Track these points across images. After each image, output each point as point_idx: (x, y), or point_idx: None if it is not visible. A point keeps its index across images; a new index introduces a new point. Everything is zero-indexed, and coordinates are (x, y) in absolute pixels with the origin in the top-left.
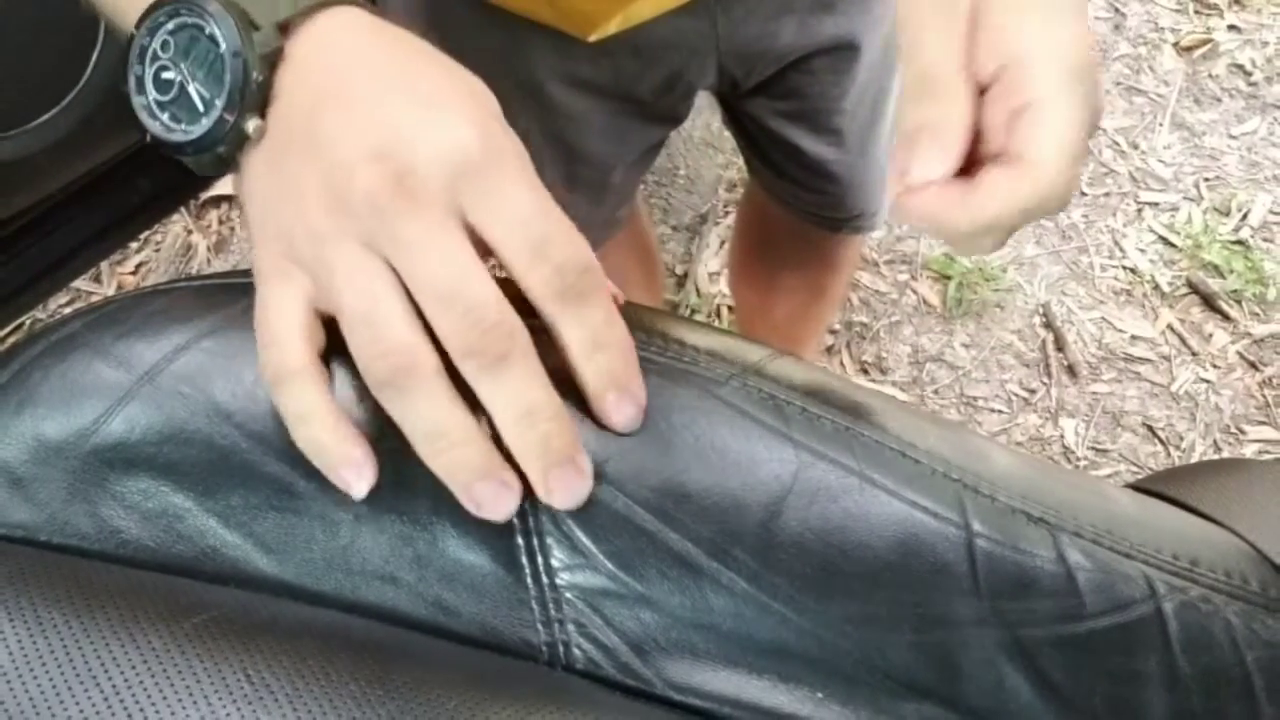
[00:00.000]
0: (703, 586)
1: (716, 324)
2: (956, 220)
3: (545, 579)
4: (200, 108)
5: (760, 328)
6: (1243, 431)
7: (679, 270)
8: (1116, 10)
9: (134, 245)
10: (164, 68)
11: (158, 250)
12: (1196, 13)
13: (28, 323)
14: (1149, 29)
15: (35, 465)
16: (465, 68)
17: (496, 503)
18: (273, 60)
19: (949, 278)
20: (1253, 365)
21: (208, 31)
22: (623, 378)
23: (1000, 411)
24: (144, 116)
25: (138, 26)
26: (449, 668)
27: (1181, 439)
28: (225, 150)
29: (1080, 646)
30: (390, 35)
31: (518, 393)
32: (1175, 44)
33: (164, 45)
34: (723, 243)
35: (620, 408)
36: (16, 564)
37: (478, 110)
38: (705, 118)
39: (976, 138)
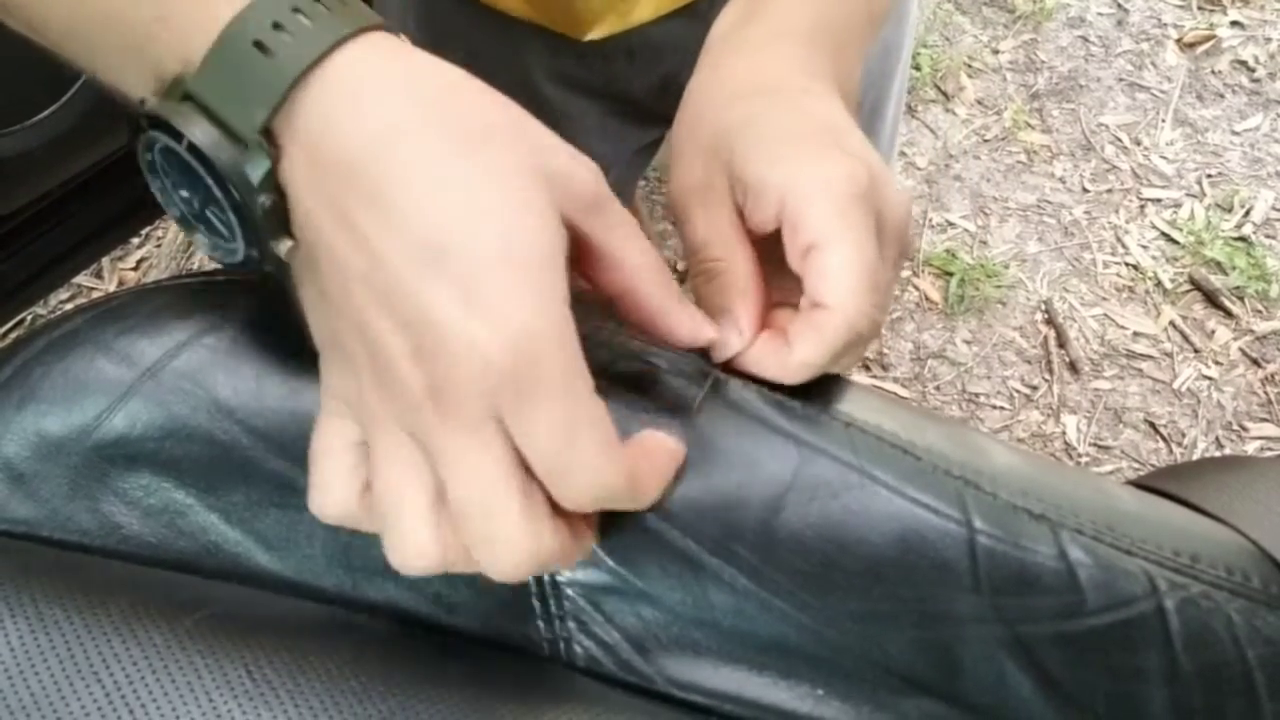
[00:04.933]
0: (704, 583)
1: None
2: (784, 377)
3: (546, 575)
4: (225, 233)
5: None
6: (1245, 428)
7: (680, 267)
8: (1119, 6)
9: (135, 241)
10: (175, 184)
11: (159, 246)
12: (1199, 8)
13: (29, 319)
14: (1152, 25)
15: (37, 461)
16: (523, 128)
17: None
18: (272, 177)
19: (951, 274)
20: (1255, 362)
21: (192, 167)
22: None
23: (1002, 408)
24: (183, 229)
25: (134, 136)
26: (450, 664)
27: (1184, 436)
28: (273, 268)
29: (1081, 643)
30: (400, 117)
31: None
32: (1178, 40)
33: (164, 166)
34: None
35: None
36: (18, 560)
37: (522, 277)
38: None
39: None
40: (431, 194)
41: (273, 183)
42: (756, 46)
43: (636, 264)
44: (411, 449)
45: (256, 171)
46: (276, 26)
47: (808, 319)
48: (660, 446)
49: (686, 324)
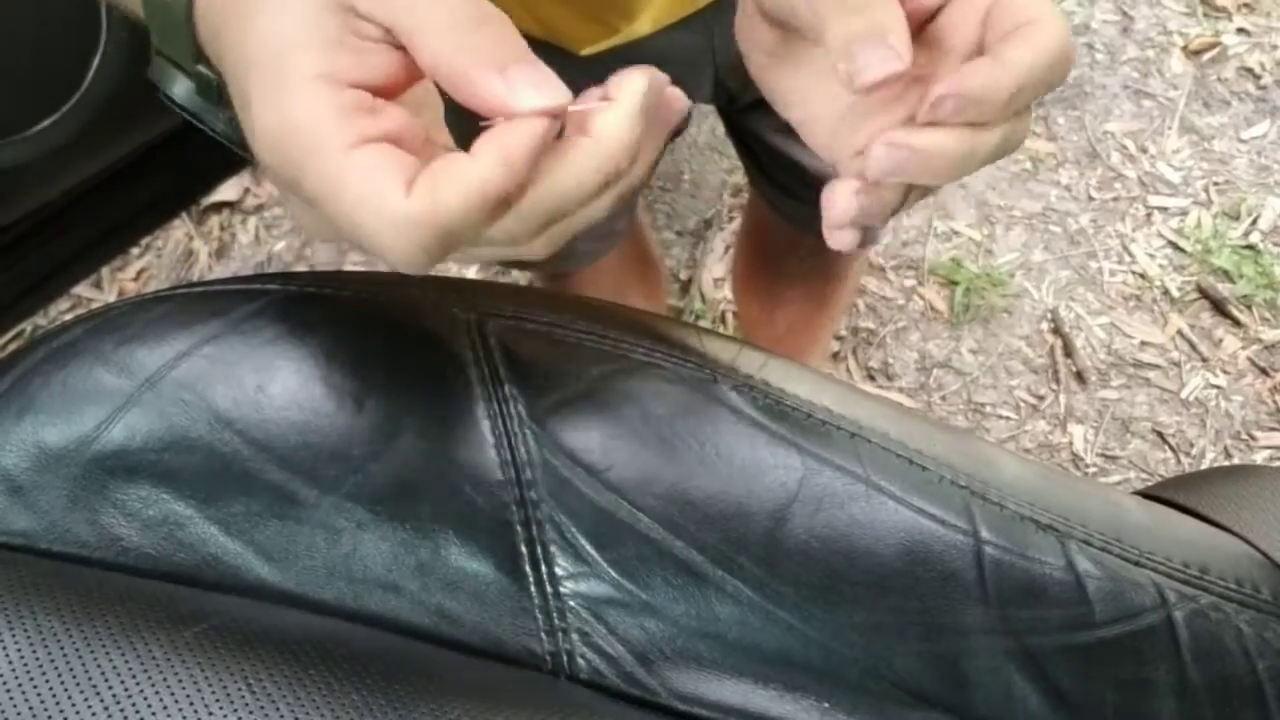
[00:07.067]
0: (708, 595)
1: (721, 330)
2: (995, 86)
3: (549, 587)
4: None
5: (763, 337)
6: (1254, 438)
7: (683, 276)
8: (1124, 13)
9: (135, 251)
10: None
11: (159, 256)
12: (1205, 15)
13: (29, 329)
14: (1157, 32)
15: (36, 473)
16: None
17: None
18: (216, 88)
19: (956, 283)
20: (1263, 371)
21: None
22: None
23: (1008, 418)
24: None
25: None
26: (452, 677)
27: (1192, 445)
28: (229, 123)
29: (1089, 655)
30: None
31: None
32: (1183, 47)
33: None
34: (727, 248)
35: None
36: (17, 572)
37: (271, 76)
38: (710, 122)
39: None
40: (249, 19)
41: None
42: None
43: (428, 29)
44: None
45: (211, 96)
46: None
47: (1013, 35)
48: (513, 109)
49: (490, 87)
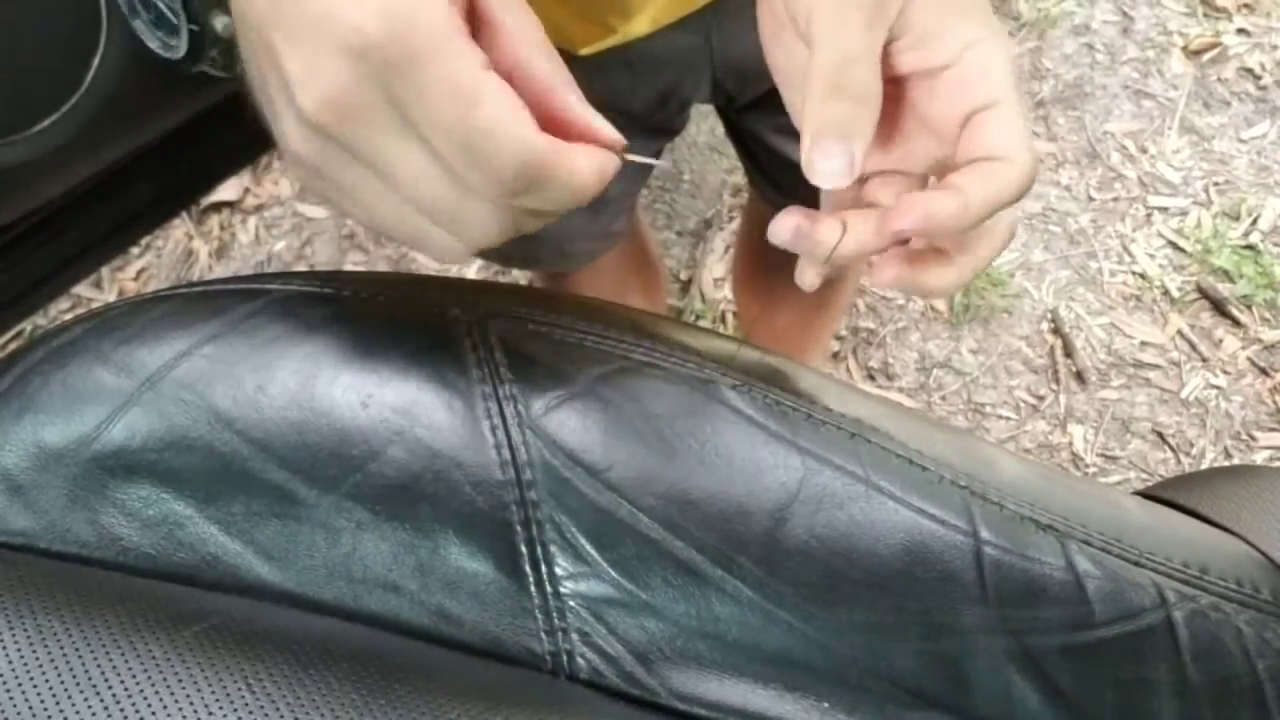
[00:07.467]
0: (708, 595)
1: (721, 329)
2: (960, 220)
3: (549, 587)
4: (175, 22)
5: (763, 337)
6: (1253, 438)
7: (683, 276)
8: (1124, 14)
9: (135, 251)
10: None
11: (159, 256)
12: (1205, 16)
13: (28, 329)
14: (1157, 32)
15: (36, 472)
16: None
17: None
18: None
19: None
20: (1263, 371)
21: None
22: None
23: (1008, 418)
24: (145, 38)
25: None
26: (451, 677)
27: (1191, 445)
28: (219, 56)
29: (1089, 655)
30: None
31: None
32: (1184, 47)
33: None
34: (727, 248)
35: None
36: (16, 572)
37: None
38: (710, 122)
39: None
40: None
41: None
42: None
43: (526, 34)
44: (341, 154)
45: None
46: None
47: (982, 170)
48: (594, 134)
49: (576, 107)
